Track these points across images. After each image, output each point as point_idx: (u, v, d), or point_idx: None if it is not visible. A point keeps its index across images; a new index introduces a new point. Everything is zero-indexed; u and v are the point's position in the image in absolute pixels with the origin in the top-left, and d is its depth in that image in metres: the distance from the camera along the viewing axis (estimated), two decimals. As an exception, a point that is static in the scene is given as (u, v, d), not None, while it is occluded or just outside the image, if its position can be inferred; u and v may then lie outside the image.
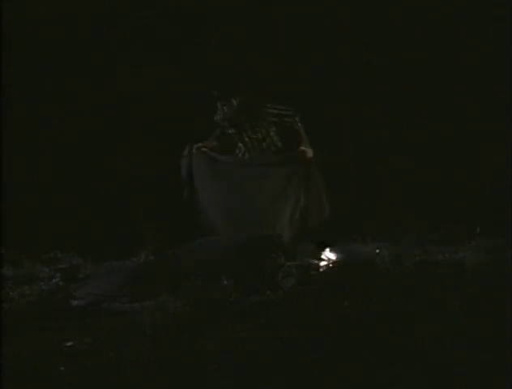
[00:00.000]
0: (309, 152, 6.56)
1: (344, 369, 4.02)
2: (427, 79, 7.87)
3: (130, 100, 7.95)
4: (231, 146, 6.81)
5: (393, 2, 7.88)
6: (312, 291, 5.28)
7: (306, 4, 7.97)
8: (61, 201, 7.65)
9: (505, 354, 4.08)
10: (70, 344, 4.53)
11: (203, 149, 6.66)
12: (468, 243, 6.25)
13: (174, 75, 7.91)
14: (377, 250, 6.03)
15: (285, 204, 6.48)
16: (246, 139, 6.75)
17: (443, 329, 4.39)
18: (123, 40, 7.97)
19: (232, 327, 4.63)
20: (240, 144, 6.76)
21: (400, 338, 4.32)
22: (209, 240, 6.16)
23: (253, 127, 6.73)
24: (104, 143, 7.87)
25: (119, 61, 7.99)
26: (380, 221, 6.79)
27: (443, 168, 7.74)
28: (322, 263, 6.02)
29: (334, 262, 6.04)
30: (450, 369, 3.96)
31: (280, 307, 4.97)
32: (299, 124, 6.73)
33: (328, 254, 6.18)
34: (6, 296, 5.62)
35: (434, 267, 5.75)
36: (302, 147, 6.59)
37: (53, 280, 5.97)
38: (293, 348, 4.25)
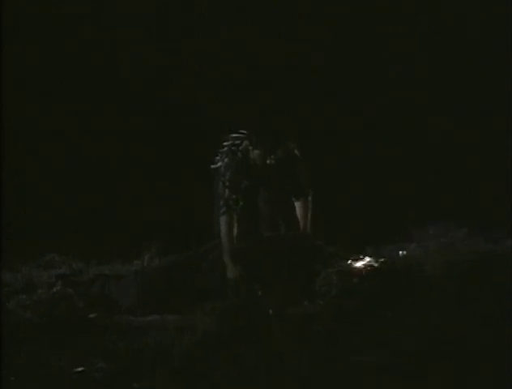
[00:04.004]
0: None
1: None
2: (427, 78, 7.87)
3: (131, 100, 7.95)
4: None
5: (393, 2, 7.87)
6: (355, 302, 4.58)
7: (306, 4, 7.96)
8: (60, 202, 7.63)
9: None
10: (80, 369, 3.81)
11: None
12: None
13: (174, 75, 7.91)
14: (401, 252, 5.35)
15: None
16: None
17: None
18: (123, 39, 7.96)
19: (268, 343, 4.09)
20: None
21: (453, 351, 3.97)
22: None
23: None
24: (104, 143, 7.87)
25: (120, 58, 7.97)
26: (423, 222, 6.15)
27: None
28: (365, 268, 5.08)
29: (377, 268, 5.10)
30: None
31: (320, 320, 4.34)
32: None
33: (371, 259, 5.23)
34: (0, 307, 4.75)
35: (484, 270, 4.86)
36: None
37: (54, 289, 5.11)
38: (335, 364, 3.87)
